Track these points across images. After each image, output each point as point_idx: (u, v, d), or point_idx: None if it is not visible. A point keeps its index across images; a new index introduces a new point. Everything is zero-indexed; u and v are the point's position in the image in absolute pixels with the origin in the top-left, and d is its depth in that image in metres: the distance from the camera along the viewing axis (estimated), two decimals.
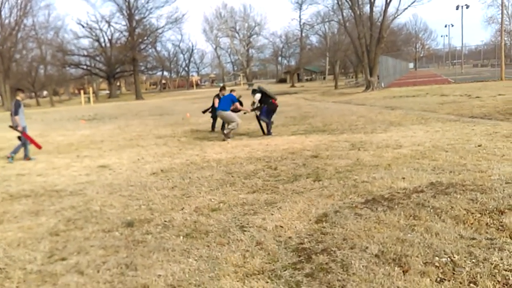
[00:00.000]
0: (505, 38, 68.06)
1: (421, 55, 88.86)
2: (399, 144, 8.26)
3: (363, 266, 3.36)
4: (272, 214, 4.71)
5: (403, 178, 5.70)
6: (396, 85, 34.31)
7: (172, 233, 4.40)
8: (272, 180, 6.26)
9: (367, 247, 3.66)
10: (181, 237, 4.26)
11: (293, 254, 3.68)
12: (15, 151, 9.73)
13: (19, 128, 9.66)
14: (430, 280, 3.10)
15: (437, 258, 3.41)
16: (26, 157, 9.75)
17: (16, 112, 9.60)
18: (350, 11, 32.72)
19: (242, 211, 4.93)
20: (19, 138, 9.84)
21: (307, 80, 79.40)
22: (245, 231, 4.28)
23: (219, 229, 4.38)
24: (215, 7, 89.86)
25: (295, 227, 4.30)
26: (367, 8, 32.78)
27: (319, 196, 5.25)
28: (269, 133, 11.63)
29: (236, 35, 77.17)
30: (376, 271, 3.27)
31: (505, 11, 70.35)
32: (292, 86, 55.47)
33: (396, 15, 33.58)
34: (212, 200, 5.46)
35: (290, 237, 4.04)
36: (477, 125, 10.10)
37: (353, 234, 3.96)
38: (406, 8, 32.72)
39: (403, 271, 3.24)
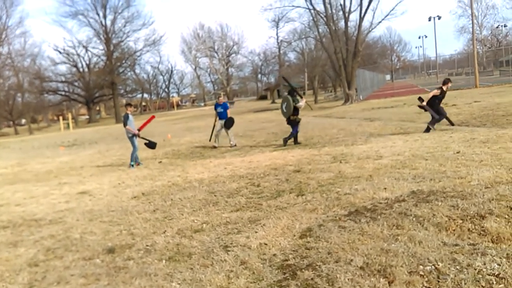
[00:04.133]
0: (477, 47, 70.10)
1: (397, 66, 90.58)
2: (379, 154, 8.33)
3: (348, 279, 3.33)
4: (256, 232, 4.66)
5: (385, 188, 5.73)
6: (374, 97, 34.84)
7: (154, 258, 4.31)
8: (255, 197, 6.23)
9: (351, 260, 3.64)
10: (164, 261, 4.17)
11: (278, 271, 3.64)
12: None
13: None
14: None
15: (421, 266, 3.41)
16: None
17: None
18: (326, 27, 33.29)
19: (226, 230, 4.86)
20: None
21: None
22: (229, 251, 4.21)
23: (203, 251, 4.31)
24: (192, 28, 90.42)
25: (280, 243, 4.26)
26: (342, 24, 33.38)
27: (303, 210, 5.23)
28: (285, 143, 11.84)
29: (215, 54, 77.59)
30: (362, 283, 3.25)
31: (475, 21, 72.62)
32: (273, 102, 55.85)
33: (370, 29, 34.31)
34: (195, 221, 5.38)
35: (274, 254, 3.99)
36: (454, 133, 10.27)
37: (338, 247, 3.94)
38: (380, 22, 33.35)
39: (388, 282, 3.23)
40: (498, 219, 4.21)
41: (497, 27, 76.37)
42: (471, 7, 34.94)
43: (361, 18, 31.45)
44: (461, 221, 4.28)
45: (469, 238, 3.88)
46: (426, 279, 3.22)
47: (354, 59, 31.59)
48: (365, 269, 3.47)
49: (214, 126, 13.83)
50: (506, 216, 4.25)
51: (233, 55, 78.41)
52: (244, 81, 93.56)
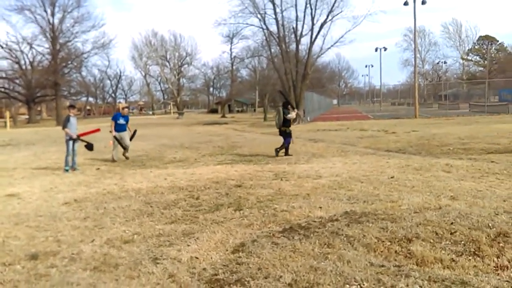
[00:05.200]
0: (419, 80, 74.21)
1: (344, 92, 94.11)
2: (319, 174, 8.51)
3: None
4: (189, 245, 4.57)
5: (320, 207, 5.84)
6: (320, 119, 35.79)
7: (78, 267, 4.09)
8: (192, 210, 6.12)
9: (281, 276, 3.64)
10: (88, 271, 3.97)
11: (206, 286, 3.57)
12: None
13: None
14: None
15: (347, 286, 3.47)
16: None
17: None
18: (278, 47, 33.99)
19: (157, 242, 4.72)
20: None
21: (238, 111, 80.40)
22: (158, 263, 4.09)
23: (130, 262, 4.14)
24: (144, 35, 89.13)
25: (211, 258, 4.19)
26: (294, 46, 34.26)
27: (239, 225, 5.20)
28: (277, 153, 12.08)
29: (167, 63, 76.73)
30: None
31: (418, 55, 77.02)
32: (223, 116, 55.85)
33: (320, 54, 35.43)
34: (126, 231, 5.19)
35: (204, 269, 3.92)
36: (391, 158, 10.71)
37: (268, 264, 3.93)
38: (329, 48, 34.52)
39: None
40: (423, 243, 4.39)
41: (437, 63, 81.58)
42: (415, 42, 37.04)
43: (312, 43, 32.51)
44: (389, 243, 4.42)
45: (395, 260, 4.01)
46: None
47: (303, 81, 32.41)
48: (293, 285, 3.48)
49: (115, 138, 12.64)
50: (431, 241, 4.44)
51: (186, 65, 77.98)
52: (195, 93, 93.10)
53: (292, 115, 12.47)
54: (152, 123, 39.69)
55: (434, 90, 76.76)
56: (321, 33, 32.99)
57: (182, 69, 77.48)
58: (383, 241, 4.46)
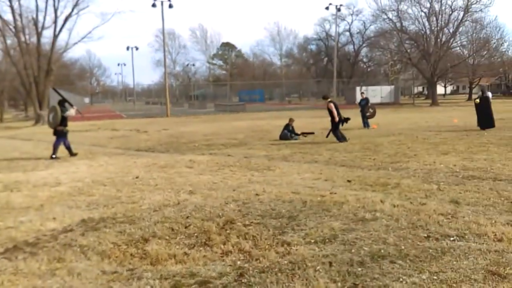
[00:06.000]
0: (171, 80, 77.41)
1: (97, 90, 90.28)
2: (58, 181, 7.79)
3: None
4: None
5: (54, 218, 5.31)
6: (69, 119, 33.27)
7: None
8: None
9: None
10: None
11: None
12: None
13: None
14: None
15: None
16: None
17: None
18: (16, 39, 29.90)
19: None
20: None
21: None
22: None
23: None
24: None
25: None
26: (35, 38, 30.68)
27: None
28: None
29: None
30: None
31: (169, 56, 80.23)
32: None
33: (66, 49, 32.84)
34: None
35: None
36: (140, 158, 10.73)
37: None
38: (76, 43, 32.28)
39: None
40: (159, 241, 4.47)
41: (187, 65, 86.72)
42: (164, 43, 38.41)
43: (56, 36, 29.82)
44: (125, 247, 4.33)
45: (130, 264, 3.93)
46: None
47: (47, 77, 29.42)
48: None
49: None
50: (167, 237, 4.56)
51: None
52: None
53: (71, 112, 11.95)
54: None
55: (185, 91, 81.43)
56: (67, 26, 30.64)
57: None
58: (120, 246, 4.34)
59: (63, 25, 30.14)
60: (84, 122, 29.21)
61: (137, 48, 63.65)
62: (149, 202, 5.96)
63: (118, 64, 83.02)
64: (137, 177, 7.88)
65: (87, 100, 79.35)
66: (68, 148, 11.55)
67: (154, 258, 4.02)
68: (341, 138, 12.74)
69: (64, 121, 11.51)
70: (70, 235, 4.65)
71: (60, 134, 11.49)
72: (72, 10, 30.27)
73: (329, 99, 13.81)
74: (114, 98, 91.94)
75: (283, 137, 14.20)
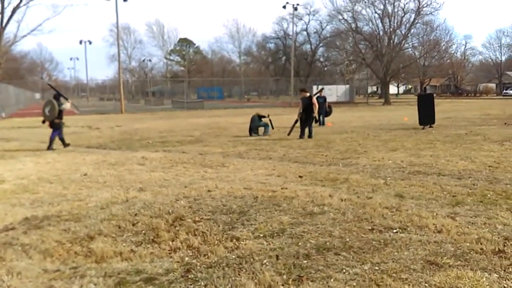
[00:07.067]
0: (127, 76, 75.67)
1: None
2: (2, 178, 7.43)
3: None
4: None
5: None
6: (19, 115, 31.89)
7: None
8: None
9: None
10: None
11: None
12: None
13: None
14: None
15: None
16: None
17: None
18: None
19: None
20: None
21: None
22: None
23: None
24: None
25: None
26: None
27: None
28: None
29: None
30: None
31: (124, 51, 78.43)
32: None
33: (14, 41, 31.42)
34: None
35: None
36: (90, 155, 10.42)
37: None
38: (25, 35, 31.02)
39: None
40: (105, 238, 4.37)
41: (143, 61, 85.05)
42: (117, 38, 37.48)
43: (3, 28, 28.44)
44: (70, 245, 4.20)
45: (73, 262, 3.82)
46: None
47: None
48: None
49: None
50: (113, 235, 4.46)
51: None
52: None
53: (66, 105, 12.39)
54: None
55: (141, 87, 79.77)
56: (15, 18, 29.31)
57: None
58: (64, 244, 4.21)
59: (10, 16, 28.91)
60: (33, 118, 28.05)
61: (90, 42, 61.88)
62: (96, 199, 5.81)
63: (71, 59, 79.96)
64: (85, 174, 7.65)
65: (38, 95, 76.14)
66: (62, 140, 11.98)
67: (99, 256, 3.93)
68: (303, 134, 12.98)
69: (60, 114, 11.89)
70: (11, 234, 4.46)
71: (57, 127, 11.91)
72: (21, 1, 28.99)
73: (308, 94, 13.77)
74: (66, 94, 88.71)
75: (253, 125, 14.28)
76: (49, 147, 11.66)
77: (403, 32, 46.39)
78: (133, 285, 3.34)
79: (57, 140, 11.82)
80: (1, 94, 30.24)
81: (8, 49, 32.81)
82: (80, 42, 60.23)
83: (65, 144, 11.98)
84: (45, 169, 8.35)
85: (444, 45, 55.32)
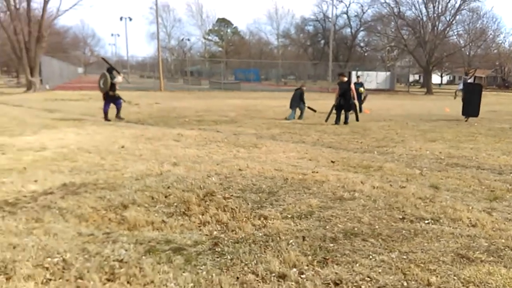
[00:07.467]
0: (166, 54, 76.47)
1: (91, 61, 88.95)
2: (43, 146, 7.76)
3: None
4: None
5: (36, 181, 5.32)
6: (62, 88, 32.95)
7: None
8: None
9: None
10: None
11: None
12: None
13: None
14: (35, 282, 2.92)
15: (49, 259, 3.26)
16: None
17: None
18: (5, 2, 29.31)
19: None
20: None
21: None
22: None
23: None
24: None
25: None
26: (26, 4, 30.09)
27: None
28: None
29: None
30: None
31: (164, 30, 79.16)
32: None
33: (57, 15, 32.24)
34: None
35: None
36: (128, 129, 10.70)
37: None
38: (66, 10, 31.83)
39: (6, 278, 2.93)
40: (139, 208, 4.51)
41: (182, 40, 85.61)
42: (156, 16, 37.91)
43: (46, 1, 29.21)
44: (104, 212, 4.36)
45: (107, 228, 3.97)
46: (51, 271, 3.08)
47: (38, 44, 28.96)
48: None
49: None
50: (146, 205, 4.60)
51: None
52: None
53: (118, 78, 12.92)
54: None
55: (180, 66, 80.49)
56: None
57: None
58: (98, 210, 4.38)
59: None
60: (75, 91, 28.97)
61: (130, 19, 62.64)
62: (132, 171, 5.97)
63: (112, 35, 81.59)
64: (122, 147, 7.87)
65: (80, 70, 78.42)
66: (106, 113, 12.70)
67: (131, 224, 4.06)
68: (339, 120, 12.85)
69: (113, 87, 12.57)
70: (50, 198, 4.67)
71: (111, 99, 12.68)
72: None
73: (346, 78, 13.62)
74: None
75: (294, 101, 14.22)
76: (105, 117, 12.55)
77: (447, 19, 44.48)
78: (162, 253, 3.44)
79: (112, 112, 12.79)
80: (45, 67, 31.28)
81: (51, 22, 33.65)
82: (121, 18, 60.94)
83: (107, 119, 12.55)
84: (85, 140, 8.64)
85: (491, 34, 52.44)
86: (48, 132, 9.93)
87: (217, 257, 3.41)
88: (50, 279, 2.97)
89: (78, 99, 21.99)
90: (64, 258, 3.26)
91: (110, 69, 12.88)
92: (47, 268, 3.10)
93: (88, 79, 52.40)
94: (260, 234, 3.89)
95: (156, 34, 40.12)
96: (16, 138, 8.89)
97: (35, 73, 28.96)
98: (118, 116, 12.85)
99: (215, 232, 3.93)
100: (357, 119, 13.47)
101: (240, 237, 3.81)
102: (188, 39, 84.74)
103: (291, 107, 14.33)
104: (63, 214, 4.21)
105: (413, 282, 3.07)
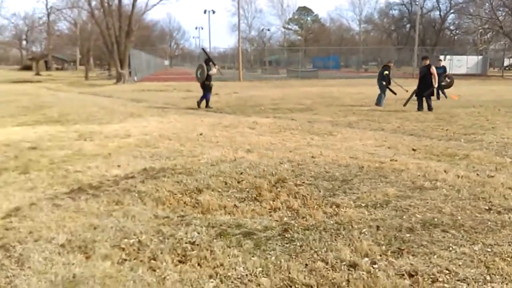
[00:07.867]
0: (246, 45, 77.48)
1: (176, 53, 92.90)
2: (128, 134, 8.24)
3: (42, 258, 3.09)
4: None
5: (119, 165, 5.65)
6: (149, 80, 34.77)
7: None
8: None
9: (54, 238, 3.41)
10: None
11: None
12: None
13: None
14: (112, 262, 3.07)
15: (126, 240, 3.43)
16: None
17: None
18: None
19: None
20: None
21: (57, 69, 72.64)
22: None
23: None
24: None
25: None
26: (117, 0, 32.09)
27: (19, 189, 4.68)
28: None
29: None
30: (57, 260, 3.06)
31: (245, 21, 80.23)
32: (37, 74, 49.79)
33: (145, 10, 34.00)
34: None
35: None
36: (207, 117, 11.01)
37: (43, 226, 3.63)
38: (155, 5, 33.32)
39: (86, 257, 3.12)
40: (212, 192, 4.61)
41: (262, 30, 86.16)
42: (238, 7, 38.38)
43: None
44: (180, 195, 4.52)
45: (182, 211, 4.10)
46: (126, 251, 3.24)
47: (127, 38, 30.80)
48: (66, 246, 3.28)
49: None
50: (220, 190, 4.69)
51: None
52: (4, 46, 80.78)
53: (213, 70, 13.41)
54: None
55: (259, 56, 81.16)
56: None
57: None
58: (175, 194, 4.54)
59: None
60: (160, 83, 30.42)
61: (213, 12, 64.23)
62: (208, 157, 6.13)
63: (196, 28, 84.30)
64: (200, 134, 8.11)
65: (166, 62, 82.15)
66: (207, 101, 13.44)
67: (205, 207, 4.16)
68: (421, 107, 12.14)
69: (209, 77, 13.22)
70: (130, 182, 4.93)
71: (207, 88, 13.37)
72: None
73: (428, 62, 12.58)
74: (192, 62, 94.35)
75: (381, 80, 13.67)
76: (207, 105, 13.31)
77: None
78: (233, 237, 3.48)
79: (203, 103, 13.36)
80: (134, 60, 33.18)
81: (140, 17, 35.59)
82: (204, 11, 63.03)
83: (208, 106, 13.31)
84: (166, 128, 9.04)
85: None
86: (133, 120, 10.52)
87: (287, 243, 3.37)
88: (126, 259, 3.12)
89: (162, 90, 23.05)
90: (140, 240, 3.42)
91: (208, 61, 13.46)
92: (123, 249, 3.27)
93: (173, 71, 54.83)
94: (331, 222, 3.79)
95: (237, 26, 40.64)
96: (104, 126, 9.53)
97: (125, 65, 30.86)
98: (206, 105, 13.45)
99: (285, 218, 3.89)
100: (429, 109, 12.06)
101: (311, 224, 3.74)
102: (268, 29, 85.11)
103: (379, 88, 13.72)
104: (142, 197, 4.42)
105: (497, 277, 2.81)
